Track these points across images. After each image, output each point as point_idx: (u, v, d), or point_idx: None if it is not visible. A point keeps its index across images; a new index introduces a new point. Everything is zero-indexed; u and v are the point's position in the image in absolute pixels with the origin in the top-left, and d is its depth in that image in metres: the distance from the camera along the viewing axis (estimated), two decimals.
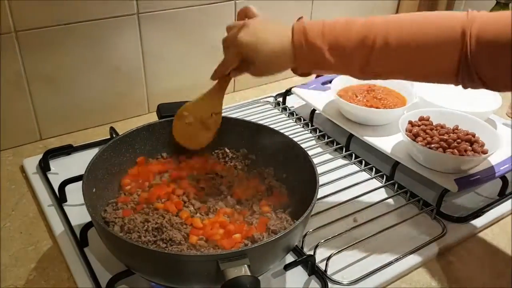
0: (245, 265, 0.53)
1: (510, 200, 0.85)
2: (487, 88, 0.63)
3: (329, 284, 0.66)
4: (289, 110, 1.10)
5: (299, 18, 0.66)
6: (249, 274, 0.52)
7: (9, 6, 0.81)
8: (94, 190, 0.66)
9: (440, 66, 0.62)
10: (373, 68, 0.64)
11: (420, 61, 0.63)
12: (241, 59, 0.65)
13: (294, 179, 0.74)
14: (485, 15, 0.60)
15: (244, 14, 0.68)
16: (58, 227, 0.74)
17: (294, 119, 1.07)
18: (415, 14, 0.65)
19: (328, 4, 1.21)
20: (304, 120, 1.06)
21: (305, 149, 0.73)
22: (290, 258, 0.68)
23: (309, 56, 0.64)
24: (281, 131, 0.79)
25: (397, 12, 1.36)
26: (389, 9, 1.35)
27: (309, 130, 1.03)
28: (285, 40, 0.63)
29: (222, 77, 0.70)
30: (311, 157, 0.71)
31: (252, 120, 0.89)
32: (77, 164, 0.85)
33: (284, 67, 0.66)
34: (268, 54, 0.63)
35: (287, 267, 0.66)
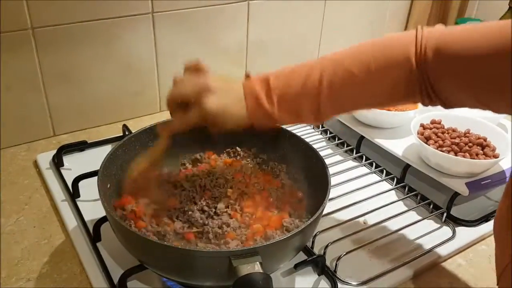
0: (257, 262, 0.53)
1: None
2: (446, 107, 0.61)
3: (339, 285, 0.66)
4: None
5: (247, 76, 0.65)
6: (261, 271, 0.52)
7: (26, 3, 0.82)
8: (108, 186, 0.67)
9: (394, 91, 0.60)
10: (325, 112, 0.63)
11: (371, 93, 0.61)
12: (201, 121, 0.64)
13: (305, 180, 0.75)
14: (443, 30, 0.58)
15: (194, 68, 0.66)
16: (71, 222, 0.75)
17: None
18: (359, 46, 0.62)
19: (341, 4, 1.21)
20: None
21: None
22: (300, 258, 0.68)
23: (263, 120, 0.64)
24: (292, 132, 0.79)
25: (409, 13, 1.36)
26: (402, 10, 1.35)
27: (320, 132, 1.03)
28: (243, 106, 0.63)
29: (171, 131, 0.67)
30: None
31: None
32: (90, 160, 0.87)
33: (243, 126, 0.65)
34: (231, 120, 0.63)
35: (298, 266, 0.66)
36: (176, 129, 0.66)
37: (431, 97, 0.60)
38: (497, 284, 0.55)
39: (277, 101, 0.63)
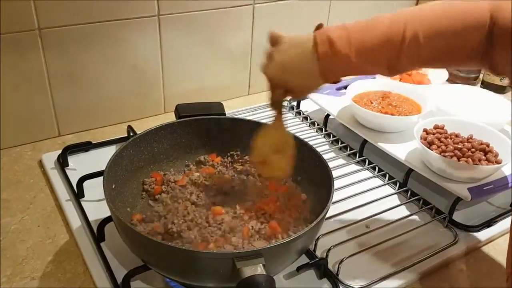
0: (261, 264, 0.54)
1: None
2: (494, 74, 0.63)
3: None
4: (303, 114, 1.11)
5: (318, 26, 0.65)
6: (264, 273, 0.53)
7: (34, 4, 0.83)
8: (113, 186, 0.67)
9: (466, 51, 0.62)
10: (401, 65, 0.64)
11: (447, 49, 0.62)
12: (281, 89, 0.66)
13: (308, 183, 0.75)
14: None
15: (274, 40, 0.66)
16: (75, 221, 0.76)
17: (308, 124, 1.08)
18: (438, 2, 0.64)
19: (345, 7, 1.22)
20: (318, 124, 1.07)
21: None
22: (302, 260, 0.68)
23: (336, 66, 0.63)
24: (295, 135, 0.80)
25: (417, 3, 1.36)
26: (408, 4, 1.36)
27: (323, 135, 1.03)
28: (309, 57, 0.62)
29: (276, 106, 0.70)
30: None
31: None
32: (94, 160, 0.88)
33: (318, 83, 0.66)
34: (299, 79, 0.64)
35: (300, 268, 0.67)
36: (273, 102, 0.69)
37: (494, 63, 0.61)
38: (506, 281, 0.56)
39: (356, 46, 0.61)
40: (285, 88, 0.66)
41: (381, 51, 0.62)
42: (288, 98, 0.70)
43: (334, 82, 0.68)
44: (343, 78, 0.68)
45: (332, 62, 0.62)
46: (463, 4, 0.62)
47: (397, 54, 0.62)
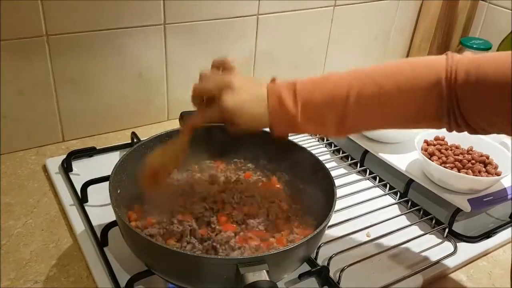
0: (264, 271, 0.54)
1: None
2: (473, 133, 0.61)
3: None
4: None
5: (272, 79, 0.65)
6: (268, 279, 0.53)
7: (42, 11, 0.85)
8: (118, 192, 0.68)
9: (422, 111, 0.61)
10: (349, 126, 0.63)
11: (398, 110, 0.61)
12: (220, 118, 0.64)
13: (310, 191, 0.76)
14: (473, 56, 0.59)
15: (221, 66, 0.66)
16: (79, 226, 0.76)
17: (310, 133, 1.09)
18: (388, 64, 0.63)
19: (347, 19, 1.24)
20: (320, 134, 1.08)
21: None
22: (304, 268, 0.69)
23: (284, 124, 0.63)
24: (299, 144, 0.80)
25: (414, 30, 1.38)
26: (407, 27, 1.38)
27: (324, 144, 1.04)
28: (264, 105, 0.63)
29: (191, 126, 0.69)
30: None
31: None
32: (98, 166, 0.88)
33: (261, 128, 0.65)
34: (249, 119, 0.63)
35: (302, 276, 0.67)
36: (197, 124, 0.68)
37: (457, 122, 0.60)
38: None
39: (301, 105, 0.62)
40: (230, 120, 0.63)
41: (327, 112, 0.62)
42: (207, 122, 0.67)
43: (281, 138, 0.67)
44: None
45: (281, 120, 0.63)
46: (416, 64, 0.61)
47: (342, 115, 0.61)
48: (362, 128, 0.66)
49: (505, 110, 0.56)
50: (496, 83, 0.56)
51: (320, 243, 0.72)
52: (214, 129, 0.81)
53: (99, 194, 0.79)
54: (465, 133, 0.90)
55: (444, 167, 0.82)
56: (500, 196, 0.83)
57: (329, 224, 0.77)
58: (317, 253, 0.72)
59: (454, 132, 0.91)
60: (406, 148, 0.93)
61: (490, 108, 0.58)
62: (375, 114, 0.62)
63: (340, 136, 0.65)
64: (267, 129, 0.66)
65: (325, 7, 1.18)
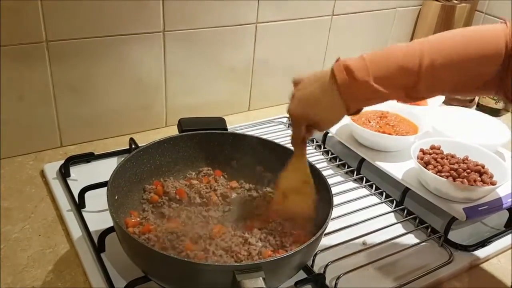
0: (261, 278, 0.55)
1: None
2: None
3: None
4: None
5: (337, 60, 0.66)
6: (264, 286, 0.54)
7: (43, 17, 0.85)
8: (116, 198, 0.68)
9: (483, 78, 0.64)
10: (419, 92, 0.64)
11: (465, 77, 0.64)
12: (304, 125, 0.67)
13: None
14: None
15: (297, 82, 0.69)
16: (76, 231, 0.77)
17: (307, 141, 1.09)
18: (454, 31, 0.66)
19: (345, 28, 1.25)
20: (316, 142, 1.09)
21: None
22: (300, 276, 0.69)
23: (357, 92, 0.63)
24: None
25: (411, 39, 1.40)
26: (404, 36, 1.39)
27: (321, 152, 1.05)
28: (329, 89, 0.64)
29: (298, 144, 0.71)
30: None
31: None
32: (96, 172, 0.89)
33: (341, 114, 0.66)
34: (323, 114, 0.65)
35: (298, 283, 0.68)
36: (296, 141, 0.70)
37: (504, 89, 0.63)
38: None
39: (372, 71, 0.62)
40: (308, 123, 0.67)
41: (399, 79, 0.63)
42: (310, 136, 0.70)
43: (356, 113, 0.67)
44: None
45: (352, 89, 0.63)
46: (479, 34, 0.64)
47: (414, 82, 0.63)
48: (430, 94, 0.67)
49: None
50: None
51: (316, 251, 0.72)
52: (212, 137, 0.82)
53: (97, 200, 0.80)
54: (461, 142, 0.92)
55: (440, 176, 0.83)
56: (495, 205, 0.83)
57: (326, 231, 0.77)
58: (313, 260, 0.73)
59: (450, 142, 0.92)
60: (402, 157, 0.94)
61: None
62: (444, 81, 0.64)
63: (407, 101, 0.67)
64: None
65: (323, 16, 1.19)
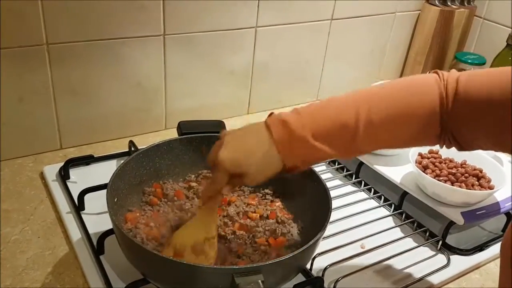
0: (260, 281, 0.55)
1: None
2: (461, 150, 0.64)
3: None
4: None
5: (269, 115, 0.63)
6: None
7: (43, 20, 0.86)
8: (116, 200, 0.69)
9: (423, 132, 0.62)
10: (357, 147, 0.63)
11: (404, 131, 0.62)
12: (229, 176, 0.61)
13: (306, 202, 0.77)
14: (460, 74, 0.61)
15: (225, 134, 0.64)
16: (75, 234, 0.77)
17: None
18: (385, 85, 0.64)
19: (344, 32, 1.26)
20: None
21: None
22: (299, 279, 0.69)
23: (295, 148, 0.60)
24: None
25: (410, 44, 1.41)
26: (402, 41, 1.40)
27: None
28: (266, 142, 0.60)
29: (213, 197, 0.64)
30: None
31: None
32: (95, 174, 0.89)
33: (275, 168, 0.61)
34: (255, 163, 0.60)
35: (297, 286, 0.68)
36: (212, 193, 0.63)
37: (449, 140, 0.63)
38: None
39: (309, 127, 0.60)
40: (235, 173, 0.60)
41: (337, 134, 0.60)
42: (230, 189, 0.63)
43: (291, 171, 0.63)
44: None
45: (289, 144, 0.60)
46: (412, 89, 0.62)
47: (353, 138, 0.61)
48: (368, 149, 0.66)
49: (487, 130, 0.58)
50: (479, 103, 0.58)
51: (315, 254, 0.72)
52: (211, 140, 0.82)
53: (96, 202, 0.80)
54: None
55: (438, 180, 0.83)
56: (493, 210, 0.84)
57: (324, 235, 0.77)
58: (312, 263, 0.73)
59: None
60: (400, 161, 0.95)
61: (474, 128, 0.60)
62: (382, 136, 0.63)
63: (349, 157, 0.65)
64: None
65: (322, 20, 1.20)
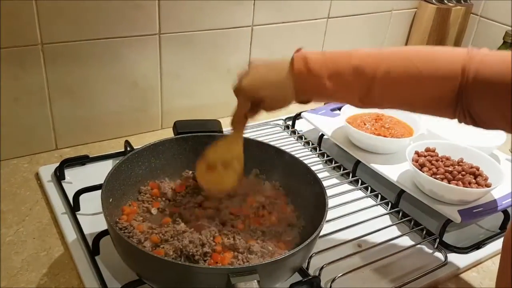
0: (255, 281, 0.55)
1: None
2: (476, 126, 0.65)
3: None
4: (298, 133, 1.13)
5: (298, 49, 0.68)
6: None
7: (38, 19, 0.85)
8: (110, 200, 0.68)
9: (439, 98, 0.64)
10: (373, 98, 0.66)
11: (420, 93, 0.65)
12: (251, 102, 0.69)
13: (302, 200, 0.77)
14: (487, 53, 0.62)
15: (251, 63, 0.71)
16: (71, 234, 0.76)
17: (302, 143, 1.10)
18: (416, 47, 0.68)
19: (340, 32, 1.25)
20: (312, 144, 1.09)
21: None
22: (295, 278, 0.69)
23: (308, 83, 0.66)
24: (291, 153, 0.81)
25: (407, 41, 1.40)
26: (399, 38, 1.40)
27: (317, 154, 1.05)
28: (284, 73, 0.66)
29: (239, 121, 0.73)
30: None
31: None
32: (91, 174, 0.89)
33: (290, 98, 0.68)
34: (272, 91, 0.67)
35: (293, 286, 0.68)
36: (238, 116, 0.71)
37: (465, 114, 0.64)
38: None
39: (328, 68, 0.64)
40: (256, 100, 0.68)
41: (353, 80, 0.64)
42: (253, 115, 0.71)
43: (304, 102, 0.70)
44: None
45: (305, 79, 0.65)
46: (439, 53, 0.65)
47: (368, 88, 0.64)
48: (384, 103, 0.68)
49: (502, 108, 0.59)
50: (495, 83, 0.59)
51: (311, 253, 0.72)
52: (206, 139, 0.82)
53: (91, 203, 0.79)
54: (456, 144, 0.92)
55: (435, 178, 0.83)
56: (490, 208, 0.84)
57: (321, 234, 0.77)
58: (308, 263, 0.73)
59: (445, 144, 0.92)
60: (397, 159, 0.94)
61: (490, 105, 0.61)
62: (398, 92, 0.65)
63: (362, 107, 0.69)
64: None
65: (318, 19, 1.19)
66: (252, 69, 0.68)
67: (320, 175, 0.94)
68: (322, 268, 0.71)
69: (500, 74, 0.59)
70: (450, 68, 0.62)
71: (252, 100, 0.68)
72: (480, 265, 0.81)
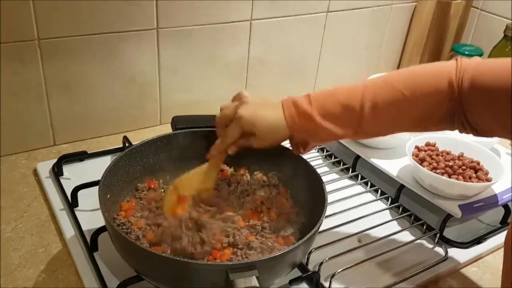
0: (254, 277, 0.54)
1: None
2: (478, 135, 0.65)
3: None
4: None
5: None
6: (258, 285, 0.53)
7: (34, 14, 0.84)
8: (108, 196, 0.68)
9: (428, 116, 0.65)
10: (366, 129, 0.67)
11: (409, 115, 0.65)
12: (241, 133, 0.68)
13: (301, 196, 0.76)
14: (481, 61, 0.62)
15: (239, 98, 0.70)
16: (69, 231, 0.76)
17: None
18: (397, 71, 0.68)
19: (340, 27, 1.24)
20: None
21: None
22: (294, 274, 0.69)
23: (301, 124, 0.66)
24: (290, 149, 0.81)
25: (406, 38, 1.39)
26: (399, 34, 1.39)
27: (316, 149, 1.05)
28: (280, 114, 0.67)
29: (221, 152, 0.72)
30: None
31: None
32: (89, 170, 0.88)
33: (282, 137, 0.69)
34: (267, 126, 0.67)
35: (292, 282, 0.67)
36: (222, 147, 0.70)
37: (464, 125, 0.64)
38: None
39: (317, 106, 0.66)
40: (247, 132, 0.67)
41: (343, 116, 0.66)
42: (237, 147, 0.70)
43: (297, 148, 0.71)
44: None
45: (297, 121, 0.66)
46: (420, 72, 0.65)
47: (359, 120, 0.65)
48: (379, 132, 0.70)
49: (502, 116, 0.59)
50: (494, 90, 0.59)
51: (311, 249, 0.72)
52: (205, 135, 0.81)
53: (90, 199, 0.79)
54: (456, 138, 0.92)
55: (435, 172, 0.83)
56: (490, 202, 0.83)
57: (321, 229, 0.77)
58: (308, 258, 0.72)
59: (445, 138, 0.92)
60: (397, 154, 0.94)
61: (488, 114, 0.61)
62: (388, 119, 0.66)
63: (358, 138, 0.68)
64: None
65: (317, 13, 1.18)
66: (253, 100, 0.68)
67: (319, 170, 0.95)
68: (321, 263, 0.71)
69: (498, 80, 0.59)
70: (434, 83, 0.63)
71: (243, 131, 0.68)
72: (481, 260, 0.81)
